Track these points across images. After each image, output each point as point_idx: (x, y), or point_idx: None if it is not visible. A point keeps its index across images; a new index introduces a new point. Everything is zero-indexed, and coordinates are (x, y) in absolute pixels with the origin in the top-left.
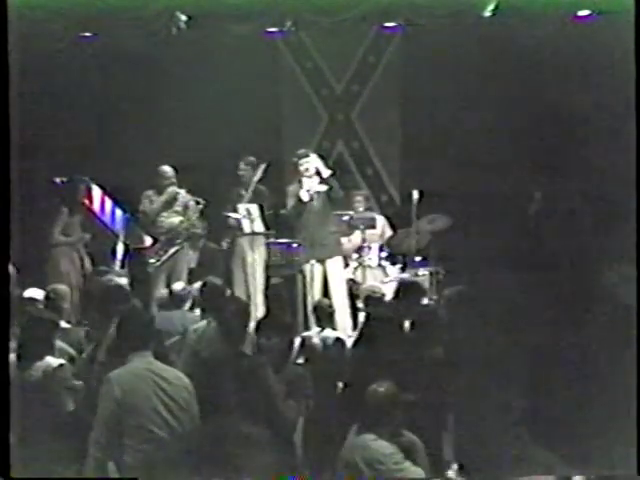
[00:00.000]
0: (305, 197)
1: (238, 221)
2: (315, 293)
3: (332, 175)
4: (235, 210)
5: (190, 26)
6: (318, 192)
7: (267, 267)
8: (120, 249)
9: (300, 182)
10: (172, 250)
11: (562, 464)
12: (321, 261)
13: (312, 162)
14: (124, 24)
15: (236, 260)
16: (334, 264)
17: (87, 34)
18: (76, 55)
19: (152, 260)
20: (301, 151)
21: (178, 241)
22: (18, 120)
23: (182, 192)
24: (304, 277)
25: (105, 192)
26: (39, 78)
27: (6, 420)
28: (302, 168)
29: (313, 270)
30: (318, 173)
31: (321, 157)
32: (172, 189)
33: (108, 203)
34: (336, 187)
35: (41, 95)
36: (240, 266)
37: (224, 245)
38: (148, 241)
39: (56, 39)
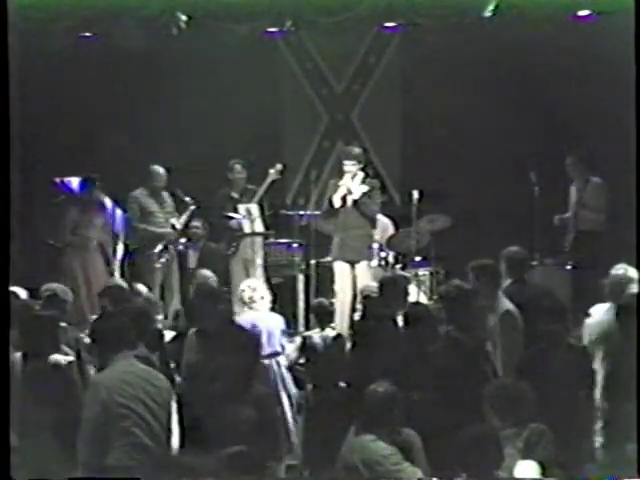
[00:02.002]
0: (337, 203)
1: (238, 222)
2: (346, 294)
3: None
4: (236, 210)
5: (190, 26)
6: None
7: (267, 267)
8: (120, 249)
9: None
10: (177, 251)
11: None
12: (351, 263)
13: (357, 165)
14: (124, 24)
15: (237, 260)
16: (363, 267)
17: (87, 34)
18: (76, 55)
19: (160, 262)
20: (349, 149)
21: (182, 241)
22: (18, 120)
23: (166, 194)
24: (317, 275)
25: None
26: (39, 78)
27: (6, 420)
28: (346, 168)
29: (343, 270)
30: (367, 173)
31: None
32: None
33: (108, 203)
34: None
35: (41, 95)
36: (241, 266)
37: (230, 251)
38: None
39: (56, 39)
